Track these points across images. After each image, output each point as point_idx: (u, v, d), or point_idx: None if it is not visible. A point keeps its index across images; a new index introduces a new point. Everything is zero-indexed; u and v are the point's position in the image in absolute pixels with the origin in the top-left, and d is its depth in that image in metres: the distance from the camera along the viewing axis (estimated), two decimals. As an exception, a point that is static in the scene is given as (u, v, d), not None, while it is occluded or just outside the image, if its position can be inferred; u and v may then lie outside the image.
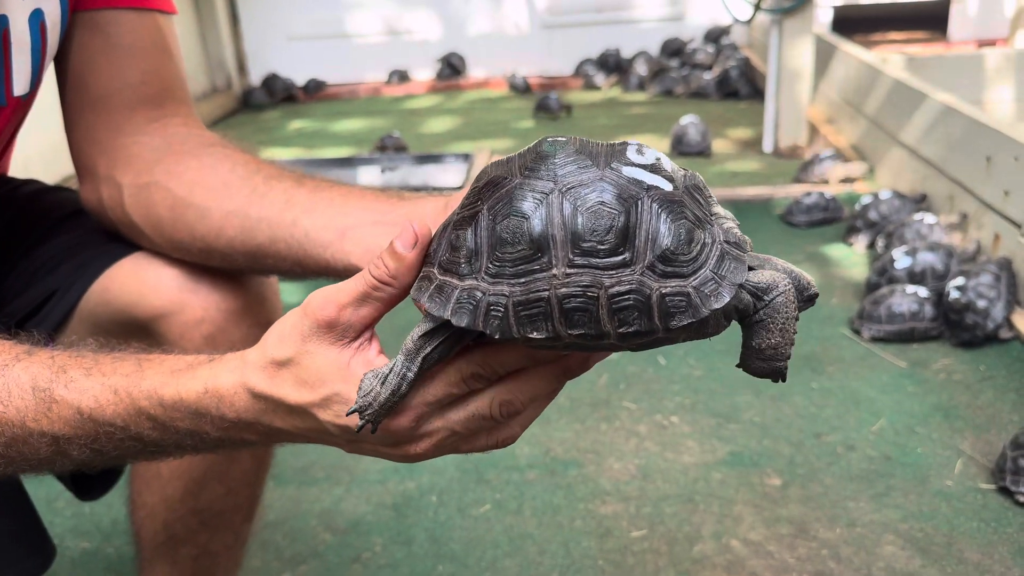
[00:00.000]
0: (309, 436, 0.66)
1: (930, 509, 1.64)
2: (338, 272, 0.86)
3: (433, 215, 0.79)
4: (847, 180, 2.53)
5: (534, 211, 0.54)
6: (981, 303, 2.14)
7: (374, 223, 0.84)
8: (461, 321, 0.56)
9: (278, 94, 5.73)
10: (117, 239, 1.00)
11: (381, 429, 0.62)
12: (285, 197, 0.89)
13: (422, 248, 0.60)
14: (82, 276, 0.99)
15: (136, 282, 0.97)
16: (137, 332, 0.95)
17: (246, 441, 0.69)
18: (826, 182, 3.22)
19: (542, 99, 4.84)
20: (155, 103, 0.98)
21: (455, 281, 0.57)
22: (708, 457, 1.82)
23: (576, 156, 0.55)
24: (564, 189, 0.54)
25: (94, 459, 0.70)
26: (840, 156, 3.29)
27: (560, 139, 0.57)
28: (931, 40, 5.65)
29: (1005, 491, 1.68)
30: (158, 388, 0.67)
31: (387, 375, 0.59)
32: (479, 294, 0.56)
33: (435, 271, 0.59)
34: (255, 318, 0.99)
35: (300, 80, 5.89)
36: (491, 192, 0.56)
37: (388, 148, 4.16)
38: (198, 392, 0.66)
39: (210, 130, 1.02)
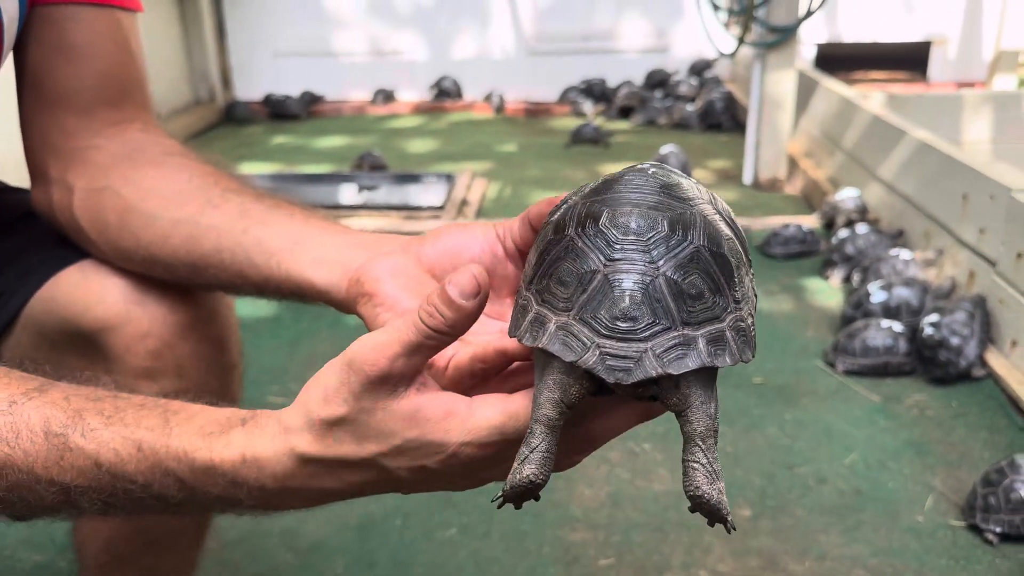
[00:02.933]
0: (366, 488, 0.61)
1: (900, 545, 1.63)
2: (278, 284, 0.82)
3: (399, 263, 0.76)
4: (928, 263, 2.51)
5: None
6: (954, 340, 2.14)
7: (332, 238, 0.81)
8: (627, 379, 0.52)
9: (277, 110, 5.67)
10: (67, 244, 0.97)
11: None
12: (240, 209, 0.86)
13: (484, 299, 0.56)
14: (27, 282, 0.95)
15: (81, 291, 0.92)
16: (82, 343, 0.91)
17: (286, 506, 0.64)
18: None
19: (580, 128, 4.79)
20: (114, 106, 0.94)
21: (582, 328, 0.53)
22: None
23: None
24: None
25: (106, 511, 0.65)
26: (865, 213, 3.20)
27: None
28: (911, 81, 5.73)
29: (975, 528, 1.67)
30: (189, 450, 0.61)
31: (529, 454, 0.55)
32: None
33: (549, 311, 0.55)
34: (204, 332, 0.96)
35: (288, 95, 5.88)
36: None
37: (365, 166, 4.15)
38: (234, 460, 0.61)
39: (171, 139, 0.99)
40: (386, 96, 5.91)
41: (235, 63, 5.88)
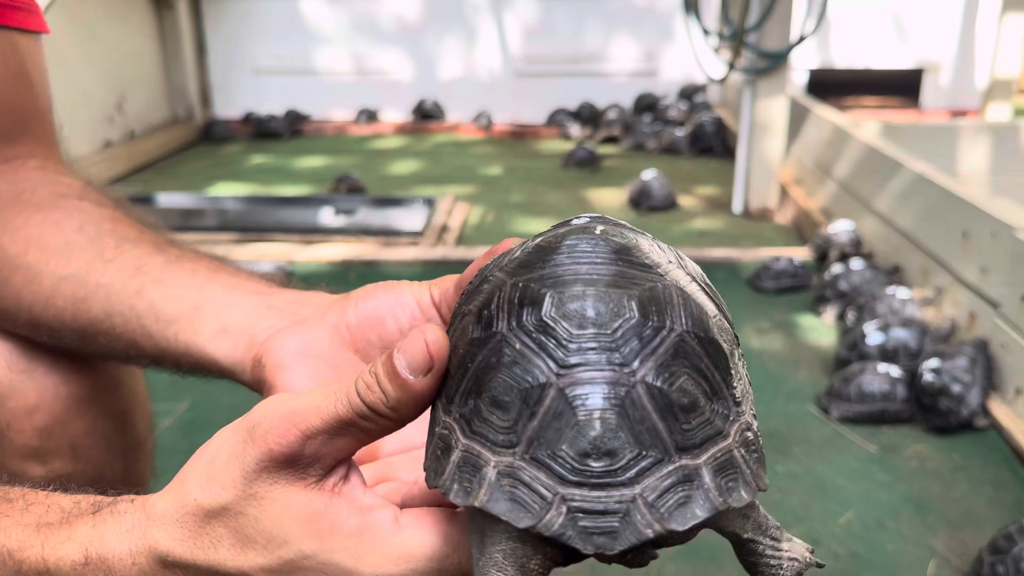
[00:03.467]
0: None
1: (901, 618, 1.50)
2: (176, 358, 0.68)
3: (313, 337, 0.61)
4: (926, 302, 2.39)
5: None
6: (956, 388, 2.02)
7: (240, 300, 0.68)
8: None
9: (260, 129, 5.52)
10: None
11: None
12: (136, 264, 0.72)
13: (438, 375, 0.42)
14: None
15: None
16: None
17: None
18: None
19: (574, 151, 4.66)
20: (6, 140, 0.80)
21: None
22: (662, 549, 1.66)
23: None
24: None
25: None
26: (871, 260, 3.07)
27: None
28: (903, 107, 5.66)
29: (981, 598, 1.54)
30: (15, 549, 0.47)
31: None
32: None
33: (484, 448, 0.39)
34: (104, 406, 0.81)
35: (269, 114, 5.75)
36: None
37: (343, 188, 4.01)
38: (74, 561, 0.46)
39: (74, 177, 0.85)
40: (369, 116, 5.79)
41: (215, 80, 5.75)
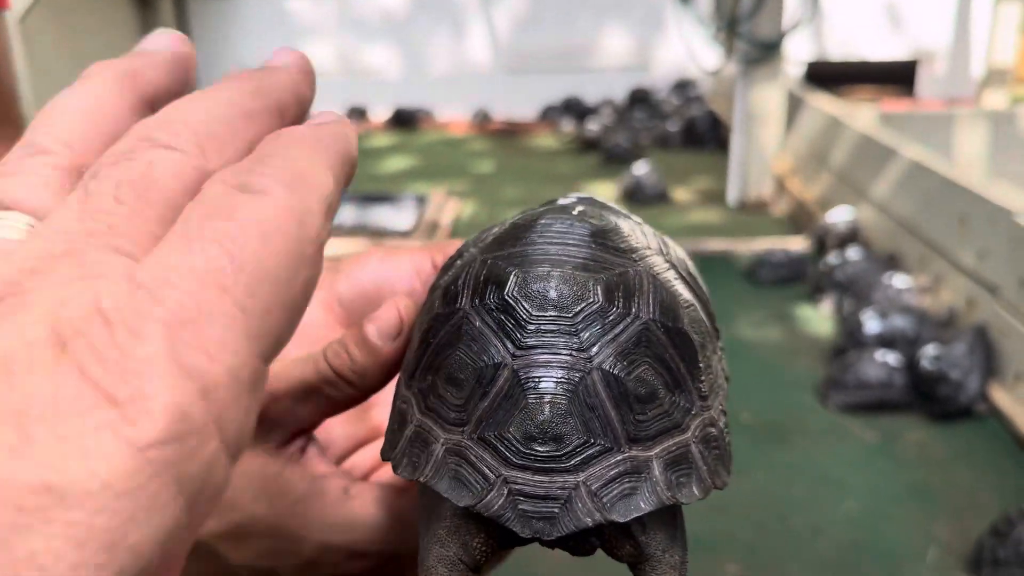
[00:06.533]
0: None
1: (904, 606, 1.48)
2: None
3: (326, 293, 0.58)
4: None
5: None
6: (954, 374, 2.00)
7: None
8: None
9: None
10: None
11: None
12: None
13: (404, 341, 0.41)
14: None
15: None
16: None
17: None
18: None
19: (611, 148, 4.60)
20: None
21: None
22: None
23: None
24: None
25: None
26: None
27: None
28: (899, 98, 5.65)
29: (984, 585, 1.52)
30: None
31: None
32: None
33: (436, 424, 0.38)
34: None
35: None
36: None
37: None
38: None
39: None
40: (359, 114, 5.76)
41: (200, 81, 5.70)
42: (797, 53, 5.48)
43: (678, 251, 0.43)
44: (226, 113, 0.28)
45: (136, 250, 0.23)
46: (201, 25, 5.62)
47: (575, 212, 0.40)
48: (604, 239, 0.39)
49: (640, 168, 3.83)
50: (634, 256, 0.39)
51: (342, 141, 0.30)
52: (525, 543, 0.36)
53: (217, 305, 0.22)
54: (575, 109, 5.65)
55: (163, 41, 0.32)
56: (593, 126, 5.19)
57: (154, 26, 4.13)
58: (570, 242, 0.39)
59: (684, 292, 0.39)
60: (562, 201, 0.43)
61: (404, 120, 5.65)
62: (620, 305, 0.36)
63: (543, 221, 0.40)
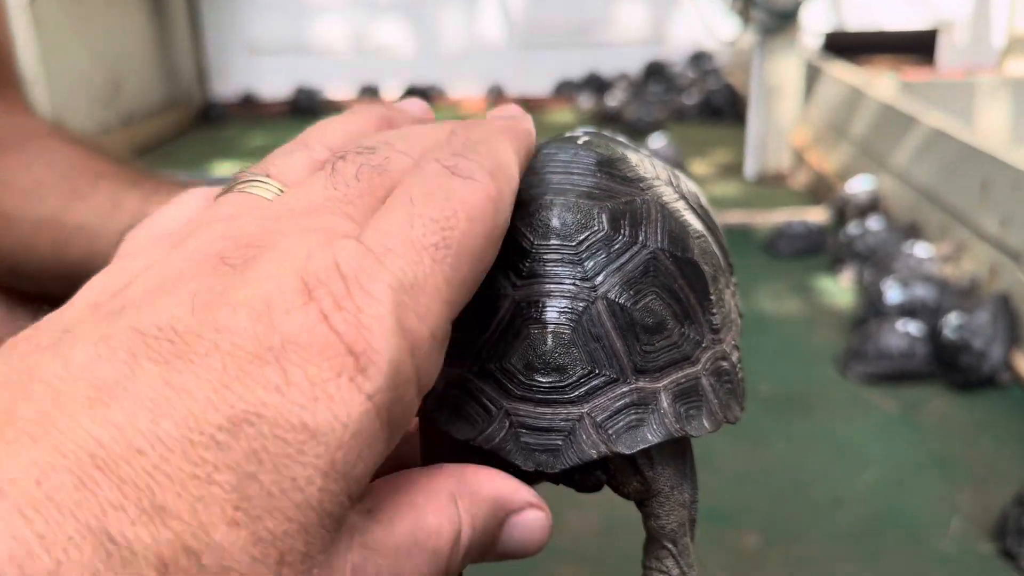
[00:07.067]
0: None
1: (924, 575, 1.46)
2: None
3: None
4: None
5: None
6: (977, 343, 1.96)
7: None
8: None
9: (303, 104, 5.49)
10: None
11: None
12: (113, 200, 0.69)
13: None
14: None
15: None
16: None
17: None
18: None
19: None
20: None
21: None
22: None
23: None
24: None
25: None
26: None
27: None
28: (919, 67, 5.56)
29: (1007, 554, 1.49)
30: None
31: None
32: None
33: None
34: None
35: (266, 93, 5.70)
36: None
37: None
38: None
39: (38, 118, 0.81)
40: (371, 92, 5.74)
41: (212, 61, 5.70)
42: (815, 24, 5.40)
43: (689, 184, 0.41)
44: (438, 137, 0.33)
45: (362, 218, 0.28)
46: (211, 9, 5.60)
47: (580, 142, 0.39)
48: (610, 168, 0.37)
49: (657, 141, 3.80)
50: (642, 185, 0.37)
51: (528, 138, 0.35)
52: (529, 477, 0.34)
53: (430, 275, 0.26)
54: (592, 84, 5.60)
55: (415, 106, 0.41)
56: (613, 101, 5.14)
57: (164, 11, 4.09)
58: (575, 171, 0.37)
59: (695, 223, 0.37)
60: (571, 133, 0.41)
61: (417, 97, 5.63)
62: (626, 233, 0.35)
63: (546, 151, 0.38)
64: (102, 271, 0.30)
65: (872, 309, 2.23)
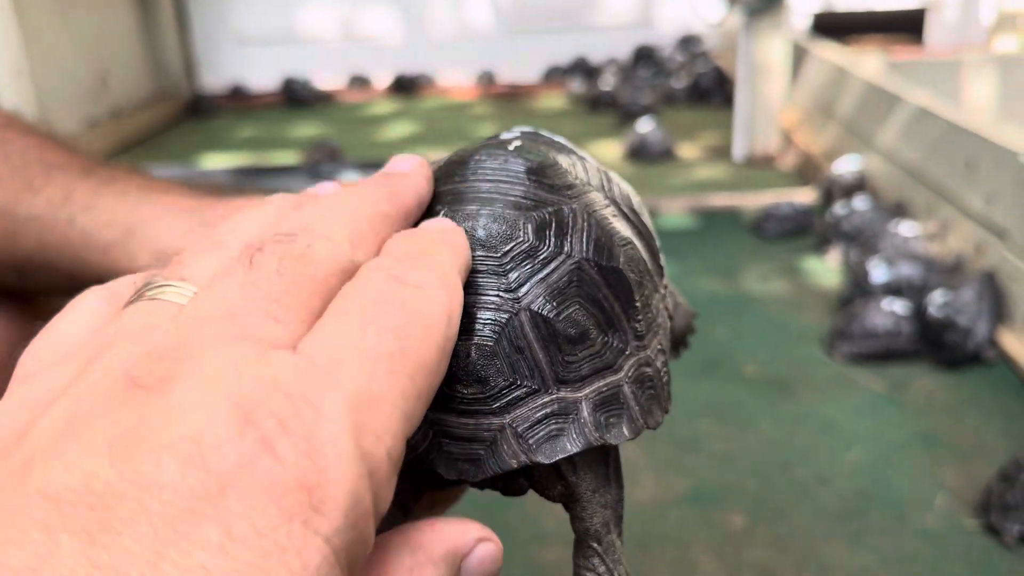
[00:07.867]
0: None
1: (910, 552, 1.47)
2: None
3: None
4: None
5: None
6: (962, 320, 1.97)
7: (173, 222, 0.65)
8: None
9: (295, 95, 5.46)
10: None
11: None
12: (65, 192, 0.69)
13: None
14: None
15: None
16: None
17: None
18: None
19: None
20: None
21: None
22: (666, 493, 1.63)
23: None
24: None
25: None
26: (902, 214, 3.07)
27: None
28: (908, 46, 5.56)
29: (991, 529, 1.51)
30: None
31: None
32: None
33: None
34: None
35: (255, 84, 5.68)
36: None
37: (322, 156, 3.94)
38: None
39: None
40: (360, 81, 5.72)
41: (199, 52, 5.68)
42: (803, 5, 5.39)
43: (623, 186, 0.42)
44: (369, 212, 0.31)
45: (291, 320, 0.25)
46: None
47: (511, 148, 0.39)
48: (540, 176, 0.37)
49: (645, 125, 3.79)
50: (570, 193, 0.37)
51: (465, 252, 0.33)
52: (454, 484, 0.35)
53: (386, 389, 0.24)
54: (581, 68, 5.59)
55: (329, 189, 0.37)
56: (606, 85, 5.12)
57: (152, 2, 4.05)
58: (503, 179, 0.37)
59: (622, 229, 0.38)
60: (503, 135, 0.42)
61: (405, 86, 5.60)
62: (551, 244, 0.35)
63: (476, 157, 0.38)
64: (2, 399, 0.26)
65: (858, 289, 2.24)
